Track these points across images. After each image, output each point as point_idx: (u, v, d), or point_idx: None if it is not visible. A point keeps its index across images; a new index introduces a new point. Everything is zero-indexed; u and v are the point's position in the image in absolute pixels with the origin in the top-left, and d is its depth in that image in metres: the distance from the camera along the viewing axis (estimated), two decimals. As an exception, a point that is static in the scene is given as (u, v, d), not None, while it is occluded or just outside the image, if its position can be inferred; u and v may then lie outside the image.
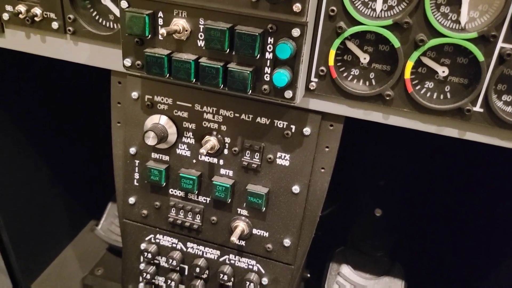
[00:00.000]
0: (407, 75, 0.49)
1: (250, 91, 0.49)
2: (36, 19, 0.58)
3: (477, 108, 0.48)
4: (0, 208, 0.84)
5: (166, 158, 0.62)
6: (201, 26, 0.49)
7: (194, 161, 0.61)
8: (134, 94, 0.60)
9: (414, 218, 1.02)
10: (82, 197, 1.08)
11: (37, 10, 0.58)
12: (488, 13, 0.44)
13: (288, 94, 0.49)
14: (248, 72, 0.48)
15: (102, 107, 0.71)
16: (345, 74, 0.51)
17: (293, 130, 0.56)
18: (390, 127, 0.55)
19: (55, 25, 0.58)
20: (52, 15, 0.58)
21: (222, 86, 0.50)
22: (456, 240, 1.01)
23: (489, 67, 0.46)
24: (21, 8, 0.58)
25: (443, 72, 0.49)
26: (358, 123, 0.67)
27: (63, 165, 0.99)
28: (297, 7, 0.44)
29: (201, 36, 0.49)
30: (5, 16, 0.60)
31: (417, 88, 0.50)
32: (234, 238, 0.59)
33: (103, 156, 0.91)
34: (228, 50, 0.48)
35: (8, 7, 0.59)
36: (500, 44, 0.45)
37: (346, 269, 0.91)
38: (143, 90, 0.59)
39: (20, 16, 0.59)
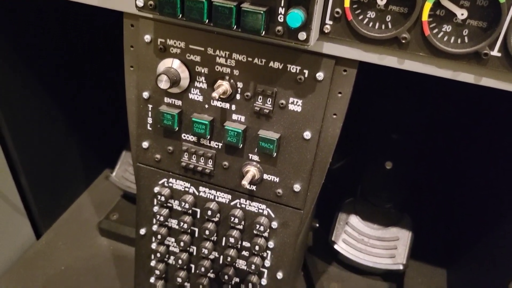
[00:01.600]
0: (425, 17, 0.47)
1: (264, 32, 0.49)
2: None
3: (495, 53, 0.47)
4: (19, 156, 0.86)
5: (179, 103, 0.62)
6: (214, -36, 0.48)
7: (207, 106, 0.61)
8: (147, 37, 0.60)
9: (424, 171, 1.03)
10: (97, 146, 1.10)
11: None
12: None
13: (302, 35, 0.48)
14: (262, 12, 0.47)
15: (116, 52, 0.70)
16: (360, 17, 0.50)
17: (306, 75, 0.55)
18: (403, 79, 0.54)
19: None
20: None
21: (235, 27, 0.49)
22: (465, 193, 1.01)
23: (509, 9, 0.45)
24: None
25: (462, 14, 0.47)
26: (371, 73, 0.66)
27: (79, 113, 1.01)
28: None
29: (214, -26, 0.48)
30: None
31: (435, 31, 0.49)
32: (245, 182, 0.60)
33: (117, 104, 0.92)
34: (241, -11, 0.47)
35: None
36: (524, -17, 0.43)
37: (354, 219, 0.93)
38: (156, 33, 0.59)
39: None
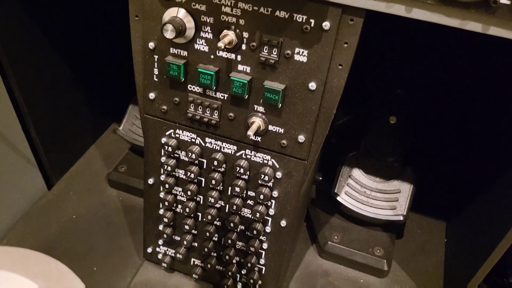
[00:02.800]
0: (435, -38, 0.46)
1: (270, -22, 0.48)
2: None
3: (504, 0, 0.46)
4: (28, 109, 0.88)
5: (185, 53, 0.62)
6: None
7: (212, 56, 0.61)
8: (152, -14, 0.59)
9: (427, 126, 1.04)
10: (104, 99, 1.11)
11: None
12: None
13: (309, -18, 0.48)
14: (268, -43, 0.46)
15: (120, 3, 0.70)
16: (369, -37, 0.49)
17: (312, 25, 0.55)
18: (411, 34, 0.53)
19: None
20: None
21: (241, -26, 0.49)
22: (466, 148, 1.02)
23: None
24: None
25: (473, -41, 0.46)
26: (377, 26, 0.65)
27: (86, 67, 1.01)
28: None
29: None
30: None
31: (444, -22, 0.48)
32: (250, 133, 0.61)
33: (122, 58, 0.92)
34: None
35: None
36: None
37: (357, 172, 0.95)
38: (160, -19, 0.58)
39: None
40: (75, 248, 0.89)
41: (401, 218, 0.90)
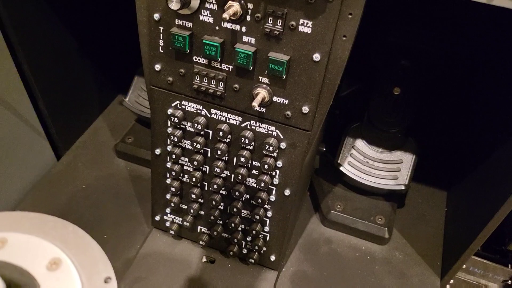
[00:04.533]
0: None
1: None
2: None
3: (511, -30, 0.46)
4: (35, 81, 0.89)
5: (190, 24, 0.63)
6: None
7: (217, 28, 0.62)
8: (156, -44, 0.59)
9: (431, 97, 1.04)
10: (109, 71, 1.12)
11: None
12: None
13: (314, -48, 0.48)
14: None
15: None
16: None
17: (316, -5, 0.55)
18: (416, 6, 0.53)
19: None
20: None
21: None
22: (468, 120, 1.03)
23: None
24: None
25: None
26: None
27: (91, 39, 1.02)
28: None
29: None
30: None
31: None
32: (255, 104, 0.62)
33: (125, 30, 0.92)
34: None
35: None
36: None
37: (360, 143, 0.96)
38: (165, -49, 0.58)
39: None
40: (86, 216, 0.92)
41: (403, 187, 0.92)
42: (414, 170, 0.93)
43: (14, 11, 0.79)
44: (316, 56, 0.59)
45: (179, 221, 0.86)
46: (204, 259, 0.86)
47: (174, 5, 0.58)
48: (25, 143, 0.94)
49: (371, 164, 0.95)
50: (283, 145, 0.69)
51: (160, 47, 0.66)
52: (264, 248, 0.82)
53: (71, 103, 1.03)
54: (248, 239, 0.82)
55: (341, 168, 0.94)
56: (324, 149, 0.92)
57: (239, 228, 0.81)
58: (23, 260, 0.30)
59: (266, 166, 0.70)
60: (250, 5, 0.59)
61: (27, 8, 0.82)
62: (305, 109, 0.64)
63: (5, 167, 0.90)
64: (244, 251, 0.84)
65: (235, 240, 0.82)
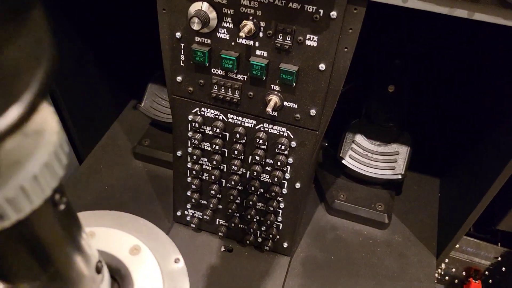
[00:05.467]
0: (426, -39, 0.54)
1: (286, -21, 0.56)
2: None
3: (486, -9, 0.55)
4: (61, 93, 0.96)
5: (208, 41, 0.71)
6: None
7: (233, 43, 0.70)
8: (178, -17, 0.67)
9: (423, 93, 1.13)
10: (123, 79, 1.19)
11: None
12: None
13: (319, -19, 0.56)
14: (285, -38, 0.54)
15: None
16: (370, -39, 0.57)
17: (321, 14, 0.63)
18: (406, 15, 0.61)
19: None
20: None
21: (260, -25, 0.57)
22: (458, 113, 1.12)
23: (501, -48, 0.52)
24: None
25: (460, -43, 0.54)
26: (379, 9, 0.73)
27: (107, 50, 1.09)
28: None
29: None
30: None
31: (435, -27, 0.56)
32: (269, 109, 0.71)
33: (137, 41, 1.00)
34: None
35: None
36: None
37: (359, 138, 1.05)
38: (186, -22, 0.66)
39: None
40: (111, 214, 1.00)
41: (400, 176, 1.01)
42: (409, 161, 1.02)
43: None
44: (322, 66, 0.68)
45: (199, 215, 0.94)
46: (223, 249, 0.95)
47: (196, 26, 0.66)
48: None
49: (370, 157, 1.03)
50: (293, 143, 0.77)
51: (181, 61, 0.75)
52: (278, 236, 0.91)
53: (90, 111, 1.10)
54: (262, 228, 0.91)
55: (343, 161, 1.03)
56: (326, 144, 1.01)
57: (255, 219, 0.90)
58: (110, 248, 0.38)
59: (278, 163, 0.79)
60: (262, 23, 0.67)
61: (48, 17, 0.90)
62: (313, 112, 0.72)
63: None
64: (259, 239, 0.93)
65: (251, 230, 0.91)
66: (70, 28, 0.96)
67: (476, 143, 0.94)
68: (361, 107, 1.08)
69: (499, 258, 1.06)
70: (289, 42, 0.67)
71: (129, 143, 1.17)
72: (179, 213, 0.96)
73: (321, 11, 0.63)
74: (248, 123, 0.78)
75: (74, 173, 1.09)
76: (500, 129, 0.83)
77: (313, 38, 0.66)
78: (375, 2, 0.61)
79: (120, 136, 1.19)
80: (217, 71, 0.73)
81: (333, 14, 0.63)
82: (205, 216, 0.92)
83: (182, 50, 0.73)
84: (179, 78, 0.76)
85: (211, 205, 0.90)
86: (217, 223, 0.94)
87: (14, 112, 0.16)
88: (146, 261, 0.39)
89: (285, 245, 0.92)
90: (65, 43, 0.96)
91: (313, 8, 0.63)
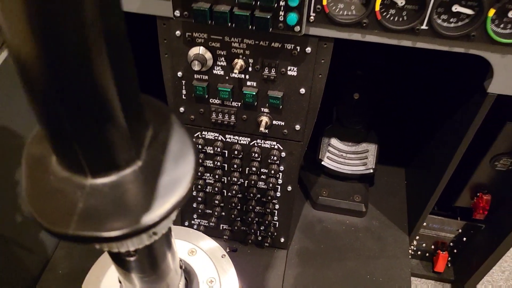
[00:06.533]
0: (377, 8, 0.70)
1: (270, 28, 0.71)
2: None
3: (424, 27, 0.71)
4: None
5: (206, 77, 0.85)
6: (233, -14, 0.68)
7: (227, 78, 0.84)
8: (178, 33, 0.80)
9: (384, 98, 1.31)
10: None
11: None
12: (430, -37, 0.65)
13: (297, 28, 0.71)
14: (268, 17, 0.69)
15: (148, 45, 0.89)
16: (333, 8, 0.73)
17: (298, 50, 0.78)
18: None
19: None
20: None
21: (250, 27, 0.71)
22: (416, 113, 1.31)
23: (431, -1, 0.68)
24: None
25: (402, 2, 0.71)
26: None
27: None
28: (302, -29, 0.64)
29: (233, -8, 0.69)
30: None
31: (384, 15, 0.72)
32: (262, 129, 0.86)
33: (147, 83, 1.11)
34: (253, 2, 0.68)
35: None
36: (437, -17, 0.66)
37: (334, 141, 1.21)
38: (184, 29, 0.79)
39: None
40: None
41: (371, 171, 1.18)
42: (378, 156, 1.19)
43: None
44: (302, 90, 0.83)
45: (205, 223, 1.08)
46: (228, 250, 1.09)
47: (196, 67, 0.80)
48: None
49: (345, 156, 1.20)
50: (283, 154, 0.92)
51: (183, 95, 0.88)
52: (275, 233, 1.06)
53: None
54: (262, 228, 1.06)
55: (322, 163, 1.19)
56: (306, 148, 1.17)
57: (254, 221, 1.04)
58: (175, 253, 0.51)
59: (272, 171, 0.93)
60: (251, 60, 0.81)
61: None
62: (297, 127, 0.88)
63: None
64: (259, 238, 1.07)
65: (252, 231, 1.05)
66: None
67: (431, 137, 1.12)
68: (331, 112, 1.25)
69: (460, 230, 1.23)
70: (274, 73, 0.82)
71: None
72: (186, 223, 1.09)
73: (298, 47, 0.78)
74: (243, 140, 0.92)
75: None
76: (448, 125, 1.02)
77: (293, 69, 0.81)
78: (339, 38, 0.76)
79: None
80: (215, 101, 0.88)
81: (308, 49, 0.78)
82: (210, 223, 1.06)
83: (184, 86, 0.87)
84: (182, 109, 0.90)
85: (216, 213, 1.04)
86: (221, 228, 1.08)
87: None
88: (202, 259, 0.52)
89: (282, 240, 1.07)
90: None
91: (291, 46, 0.78)
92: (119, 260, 0.37)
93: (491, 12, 0.67)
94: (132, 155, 0.28)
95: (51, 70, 0.22)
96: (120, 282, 0.46)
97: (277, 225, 1.05)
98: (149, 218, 0.27)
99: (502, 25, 0.70)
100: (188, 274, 0.49)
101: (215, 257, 0.53)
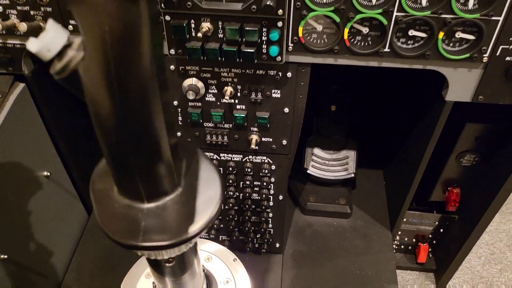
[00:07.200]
0: (346, 36, 0.82)
1: (255, 60, 0.82)
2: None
3: (386, 49, 0.83)
4: (71, 157, 1.15)
5: (199, 104, 0.94)
6: (220, 26, 0.79)
7: (219, 103, 0.94)
8: (172, 67, 0.90)
9: (359, 108, 1.43)
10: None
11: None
12: (387, -3, 0.77)
13: (278, 58, 0.82)
14: (253, 51, 0.80)
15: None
16: (308, 38, 0.84)
17: (280, 75, 0.89)
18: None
19: (110, 29, 0.85)
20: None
21: (238, 60, 0.82)
22: (390, 120, 1.43)
23: (390, 26, 0.80)
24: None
25: (366, 30, 0.82)
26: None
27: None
28: (280, 11, 0.75)
29: (220, 32, 0.79)
30: (70, 27, 0.85)
31: (352, 41, 0.84)
32: (253, 146, 0.96)
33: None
34: (239, 39, 0.79)
35: (72, 21, 0.85)
36: (395, 13, 0.78)
37: (317, 150, 1.32)
38: (178, 63, 0.89)
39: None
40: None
41: (352, 175, 1.29)
42: (357, 161, 1.31)
43: (57, 115, 1.06)
44: (286, 110, 0.93)
45: (205, 235, 1.17)
46: (228, 259, 1.18)
47: (191, 96, 0.90)
48: (64, 207, 1.20)
49: (327, 164, 1.31)
50: (273, 167, 1.02)
51: (179, 121, 0.97)
52: (271, 240, 1.15)
53: (93, 165, 1.29)
54: (258, 236, 1.15)
55: (308, 171, 1.29)
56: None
57: (251, 230, 1.14)
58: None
59: (264, 183, 1.03)
60: (239, 87, 0.91)
61: (64, 105, 1.09)
62: (284, 141, 0.98)
63: (54, 225, 1.16)
64: (256, 245, 1.17)
65: (249, 239, 1.15)
66: (78, 104, 1.15)
67: (404, 141, 1.24)
68: (311, 124, 1.36)
69: (437, 222, 1.32)
70: (260, 97, 0.92)
71: (128, 188, 1.36)
72: (188, 238, 1.17)
73: (280, 73, 0.89)
74: (237, 158, 1.02)
75: (88, 223, 1.27)
76: (417, 129, 1.14)
77: (277, 92, 0.91)
78: (315, 63, 0.88)
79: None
80: (209, 124, 0.97)
81: (289, 74, 0.89)
82: (210, 235, 1.15)
83: (180, 113, 0.96)
84: (179, 134, 0.99)
85: (215, 226, 1.13)
86: (220, 239, 1.17)
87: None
88: (217, 263, 0.61)
89: (277, 245, 1.17)
90: (73, 115, 1.15)
91: (274, 72, 0.89)
92: (159, 266, 0.46)
93: (441, 34, 0.79)
94: (175, 183, 0.38)
95: (123, 119, 0.32)
96: (154, 286, 0.55)
97: (272, 232, 1.14)
98: (192, 230, 0.36)
99: (451, 44, 0.82)
100: (208, 278, 0.58)
101: (228, 261, 0.62)
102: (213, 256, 0.63)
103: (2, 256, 0.90)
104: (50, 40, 0.29)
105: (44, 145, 1.07)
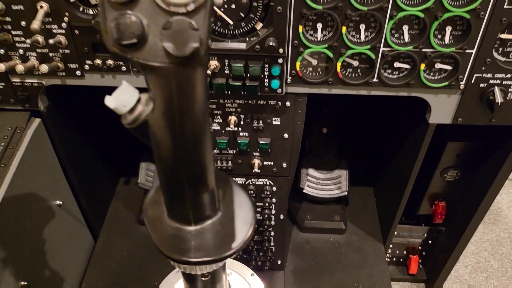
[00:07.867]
0: (338, 69, 0.91)
1: (259, 93, 0.90)
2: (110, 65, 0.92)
3: (375, 80, 0.93)
4: (80, 186, 1.21)
5: (205, 133, 1.02)
6: (227, 63, 0.87)
7: (223, 131, 1.02)
8: (180, 100, 0.98)
9: (349, 130, 1.52)
10: (115, 162, 1.45)
11: (110, 61, 0.92)
12: (372, 34, 0.87)
13: (279, 90, 0.91)
14: (257, 84, 0.89)
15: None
16: (305, 71, 0.93)
17: (280, 105, 0.98)
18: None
19: (123, 68, 0.93)
20: (121, 63, 0.92)
21: (243, 93, 0.90)
22: (379, 141, 1.53)
23: (377, 59, 0.90)
24: (98, 61, 0.92)
25: (356, 63, 0.92)
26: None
27: (103, 140, 1.34)
28: (281, 50, 0.84)
29: (227, 68, 0.88)
30: (86, 67, 0.93)
31: (344, 73, 0.93)
32: (255, 169, 1.03)
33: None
34: (244, 74, 0.88)
35: (88, 61, 0.92)
36: (382, 49, 0.88)
37: (311, 171, 1.40)
38: (186, 96, 0.97)
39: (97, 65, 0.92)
40: (136, 273, 1.25)
41: (346, 193, 1.37)
42: (350, 180, 1.39)
43: (65, 143, 1.12)
44: (285, 135, 1.02)
45: (210, 256, 1.22)
46: (233, 277, 1.24)
47: (199, 126, 0.98)
48: (72, 234, 1.25)
49: (322, 183, 1.39)
50: (274, 188, 1.10)
51: (187, 149, 1.05)
52: (273, 257, 1.22)
53: (98, 192, 1.35)
54: (261, 254, 1.22)
55: (304, 191, 1.37)
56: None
57: (254, 249, 1.21)
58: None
59: (266, 204, 1.11)
60: (242, 116, 1.00)
61: (75, 139, 1.15)
62: (284, 164, 1.06)
63: (65, 252, 1.20)
64: (259, 263, 1.23)
65: (253, 257, 1.21)
66: (79, 129, 1.22)
67: (392, 160, 1.34)
68: (304, 145, 1.44)
69: (425, 235, 1.36)
70: (262, 124, 1.00)
71: (131, 213, 1.42)
72: (194, 258, 1.23)
73: (280, 103, 0.97)
74: (240, 181, 1.10)
75: (94, 249, 1.32)
76: (404, 149, 1.23)
77: (277, 119, 1.00)
78: (311, 93, 0.97)
79: (122, 209, 1.44)
80: (214, 151, 1.05)
81: (288, 103, 0.97)
82: (215, 256, 1.21)
83: (187, 142, 1.04)
84: (186, 160, 1.06)
85: (220, 246, 1.19)
86: (225, 258, 1.23)
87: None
88: (237, 279, 0.68)
89: (279, 262, 1.23)
90: (80, 151, 1.21)
91: (274, 102, 0.97)
92: (194, 280, 0.53)
93: (422, 65, 0.89)
94: (216, 208, 0.45)
95: (182, 157, 0.40)
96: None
97: (273, 250, 1.21)
98: (234, 247, 0.44)
99: (432, 74, 0.92)
100: (228, 292, 0.65)
101: (246, 276, 0.69)
102: (233, 272, 0.70)
103: (22, 283, 0.95)
104: (126, 98, 0.37)
105: (57, 176, 1.12)
